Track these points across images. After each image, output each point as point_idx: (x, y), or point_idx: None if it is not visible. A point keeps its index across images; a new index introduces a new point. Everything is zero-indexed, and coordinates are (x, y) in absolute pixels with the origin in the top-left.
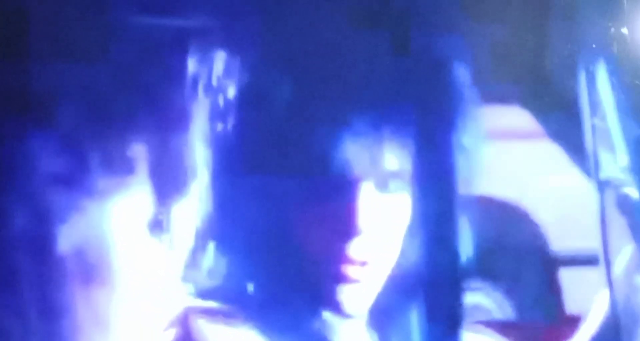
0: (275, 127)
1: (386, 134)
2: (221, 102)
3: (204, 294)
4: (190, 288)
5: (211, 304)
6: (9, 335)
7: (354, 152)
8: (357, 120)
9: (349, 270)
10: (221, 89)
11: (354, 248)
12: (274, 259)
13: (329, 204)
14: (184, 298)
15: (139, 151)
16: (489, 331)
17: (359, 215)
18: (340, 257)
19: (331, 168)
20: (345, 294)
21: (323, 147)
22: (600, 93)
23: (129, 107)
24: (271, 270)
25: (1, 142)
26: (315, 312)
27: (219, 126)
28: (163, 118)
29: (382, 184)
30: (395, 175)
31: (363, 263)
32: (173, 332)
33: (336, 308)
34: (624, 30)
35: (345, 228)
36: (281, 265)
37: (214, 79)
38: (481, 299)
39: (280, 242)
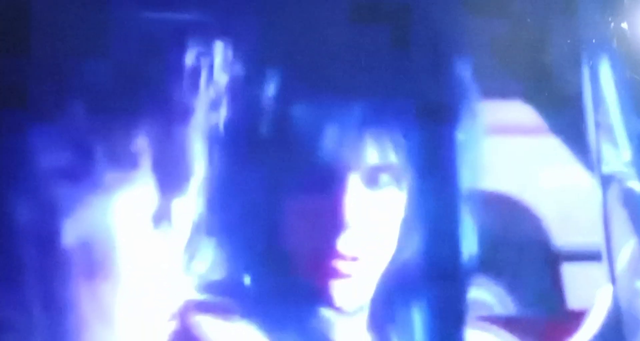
0: (272, 121)
1: (382, 128)
2: (219, 95)
3: (203, 288)
4: (192, 281)
5: (211, 298)
6: (13, 328)
7: (344, 145)
8: (353, 113)
9: (340, 265)
10: (221, 82)
11: (343, 243)
12: (268, 253)
13: (317, 198)
14: (186, 291)
15: (143, 145)
16: (491, 326)
17: (346, 210)
18: (330, 252)
19: (321, 162)
20: (336, 289)
21: (318, 140)
22: (603, 89)
23: (133, 102)
24: (265, 265)
25: (5, 136)
26: (311, 308)
27: (217, 119)
28: (166, 112)
29: (371, 179)
30: (386, 169)
31: (353, 258)
32: (173, 325)
33: (329, 303)
34: (624, 25)
35: (332, 223)
36: (275, 260)
37: (215, 72)
38: (482, 294)
39: (274, 237)
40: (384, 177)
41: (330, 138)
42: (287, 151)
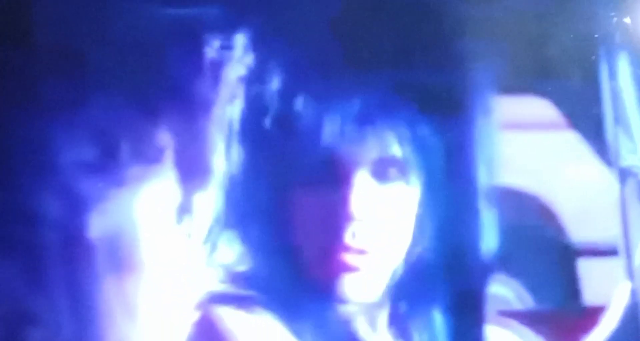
0: (282, 115)
1: (392, 123)
2: (237, 90)
3: (225, 280)
4: (214, 273)
5: (233, 290)
6: (40, 319)
7: (352, 139)
8: (362, 107)
9: (348, 258)
10: (238, 77)
11: (351, 236)
12: (279, 246)
13: (326, 191)
14: (209, 283)
15: (165, 140)
16: (510, 321)
17: (352, 202)
18: (337, 245)
19: (329, 155)
20: (346, 282)
21: (327, 134)
22: (620, 84)
23: (155, 97)
24: (277, 258)
25: (30, 131)
26: (323, 301)
27: (234, 114)
28: (188, 107)
29: (380, 172)
30: (394, 163)
31: (361, 251)
32: (195, 316)
33: (339, 295)
34: (627, 20)
35: (340, 215)
36: (286, 253)
37: (233, 67)
38: (500, 289)
39: (284, 230)
40: (393, 171)
41: (339, 131)
42: (297, 144)
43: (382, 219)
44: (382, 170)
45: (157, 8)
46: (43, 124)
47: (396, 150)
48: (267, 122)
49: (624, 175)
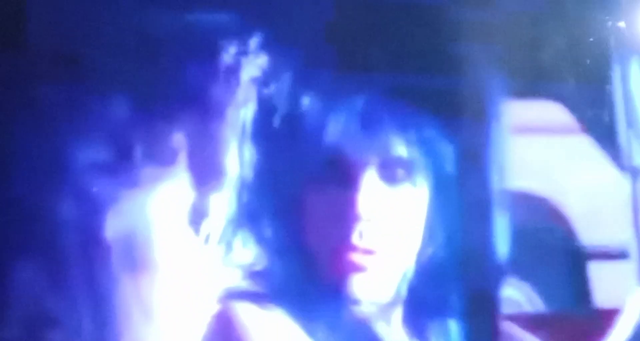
0: (292, 116)
1: (398, 124)
2: (249, 93)
3: (242, 278)
4: (231, 272)
5: (249, 287)
6: (58, 319)
7: (362, 140)
8: (372, 109)
9: (355, 258)
10: (251, 80)
11: (358, 236)
12: (290, 246)
13: (334, 191)
14: (226, 282)
15: (180, 142)
16: (521, 324)
17: (360, 202)
18: (345, 245)
19: (338, 156)
20: (355, 281)
21: (333, 135)
22: (632, 87)
23: (170, 100)
24: (288, 257)
25: (50, 134)
26: (335, 299)
27: (247, 116)
28: (202, 109)
29: (388, 174)
30: (402, 165)
31: (368, 251)
32: (213, 313)
33: (348, 294)
34: (622, 24)
35: (347, 216)
36: (297, 252)
37: (247, 70)
38: (511, 292)
39: (294, 230)
40: (400, 173)
41: (347, 133)
42: (307, 146)
43: (390, 220)
44: (390, 171)
45: (174, 14)
46: (61, 127)
47: (402, 151)
48: (278, 124)
49: (635, 178)
